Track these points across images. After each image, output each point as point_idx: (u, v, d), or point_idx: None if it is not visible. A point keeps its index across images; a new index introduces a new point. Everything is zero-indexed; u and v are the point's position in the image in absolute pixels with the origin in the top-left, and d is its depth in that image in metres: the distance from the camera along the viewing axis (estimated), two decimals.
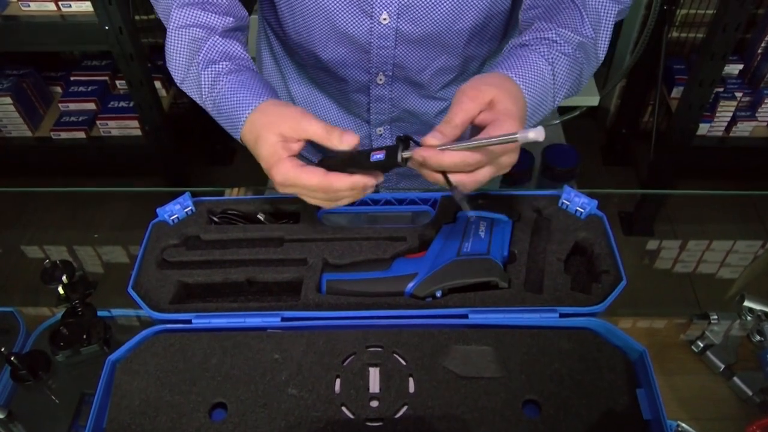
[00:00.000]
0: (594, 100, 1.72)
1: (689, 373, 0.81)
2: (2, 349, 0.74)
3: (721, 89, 1.87)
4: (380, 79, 0.84)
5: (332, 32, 0.79)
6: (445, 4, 0.74)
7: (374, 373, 0.68)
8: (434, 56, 0.81)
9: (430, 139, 0.60)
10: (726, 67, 1.78)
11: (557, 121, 1.98)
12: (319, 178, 0.64)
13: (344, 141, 0.64)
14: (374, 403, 0.66)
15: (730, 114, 1.87)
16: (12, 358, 0.72)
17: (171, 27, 0.74)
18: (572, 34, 0.71)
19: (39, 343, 0.80)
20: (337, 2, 0.75)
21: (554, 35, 0.70)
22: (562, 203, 0.82)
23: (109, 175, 2.11)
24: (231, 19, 0.75)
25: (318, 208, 0.83)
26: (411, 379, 0.67)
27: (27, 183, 2.06)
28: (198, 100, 0.76)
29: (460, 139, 0.61)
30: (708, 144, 1.91)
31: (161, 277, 0.76)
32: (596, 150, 2.33)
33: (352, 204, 0.83)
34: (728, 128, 1.91)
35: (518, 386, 0.66)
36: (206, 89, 0.73)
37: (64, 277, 0.81)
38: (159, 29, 2.08)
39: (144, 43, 1.82)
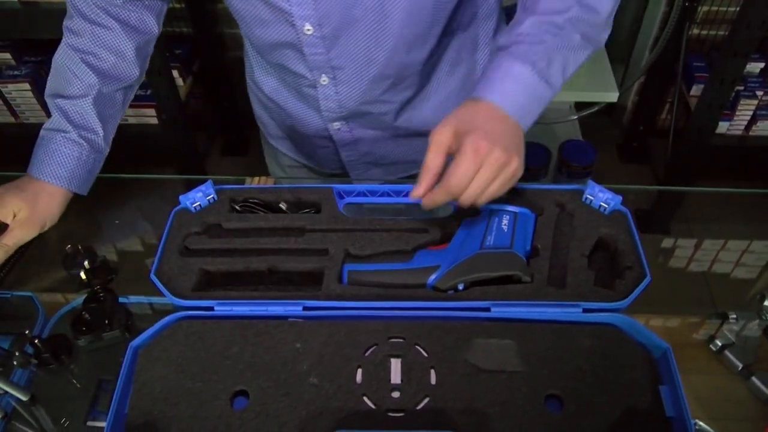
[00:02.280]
0: (613, 96, 1.70)
1: (707, 373, 0.80)
2: (26, 332, 0.74)
3: (742, 88, 1.85)
4: (323, 80, 0.85)
5: (269, 37, 0.81)
6: (362, 15, 0.75)
7: (396, 365, 0.68)
8: (371, 60, 0.82)
9: (415, 194, 0.67)
10: (747, 66, 1.76)
11: (575, 117, 1.97)
12: None
13: None
14: (395, 394, 0.66)
15: (751, 113, 1.85)
16: (36, 341, 0.72)
17: (57, 53, 0.84)
18: (549, 17, 0.71)
19: (57, 328, 0.80)
20: (265, 12, 0.78)
21: (526, 28, 0.71)
22: (586, 198, 0.81)
23: (124, 164, 2.11)
24: (104, 81, 0.84)
25: (340, 197, 0.83)
26: (432, 371, 0.67)
27: None
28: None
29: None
30: (727, 143, 1.90)
31: (183, 264, 0.77)
32: (612, 147, 2.31)
33: (373, 195, 0.84)
34: (748, 127, 1.89)
35: (540, 381, 0.66)
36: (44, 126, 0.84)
37: (86, 263, 0.81)
38: (176, 18, 2.08)
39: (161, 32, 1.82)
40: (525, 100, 0.70)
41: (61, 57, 0.84)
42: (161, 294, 0.74)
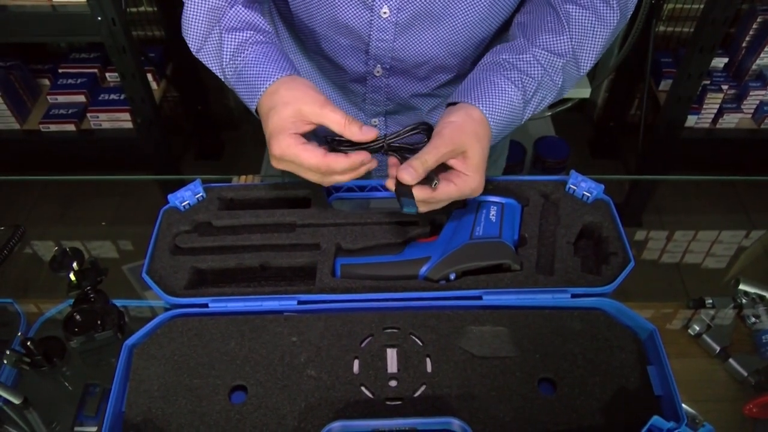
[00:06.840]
0: (585, 93, 1.74)
1: (686, 356, 0.83)
2: (19, 334, 0.73)
3: (708, 82, 1.90)
4: (378, 72, 0.84)
5: (333, 22, 0.79)
6: (443, 8, 0.75)
7: (392, 354, 0.69)
8: (433, 53, 0.82)
9: (404, 174, 0.65)
10: (712, 61, 1.81)
11: (548, 114, 2.00)
12: (318, 159, 0.66)
13: (364, 133, 0.68)
14: (393, 383, 0.67)
15: (717, 106, 1.91)
16: (28, 344, 0.71)
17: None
18: (549, 56, 0.74)
19: (43, 332, 0.79)
20: None
21: (530, 57, 0.74)
22: (569, 188, 0.83)
23: (100, 168, 2.09)
24: None
25: (328, 192, 0.84)
26: (428, 360, 0.68)
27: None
28: (215, 68, 0.78)
29: None
30: (696, 136, 1.95)
31: (175, 263, 0.76)
32: (584, 143, 2.36)
33: (362, 190, 0.85)
34: (715, 120, 1.94)
35: (533, 365, 0.68)
36: (228, 56, 0.74)
37: (74, 264, 0.81)
38: (149, 22, 2.07)
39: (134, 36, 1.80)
40: (506, 123, 0.73)
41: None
42: (152, 293, 0.74)
